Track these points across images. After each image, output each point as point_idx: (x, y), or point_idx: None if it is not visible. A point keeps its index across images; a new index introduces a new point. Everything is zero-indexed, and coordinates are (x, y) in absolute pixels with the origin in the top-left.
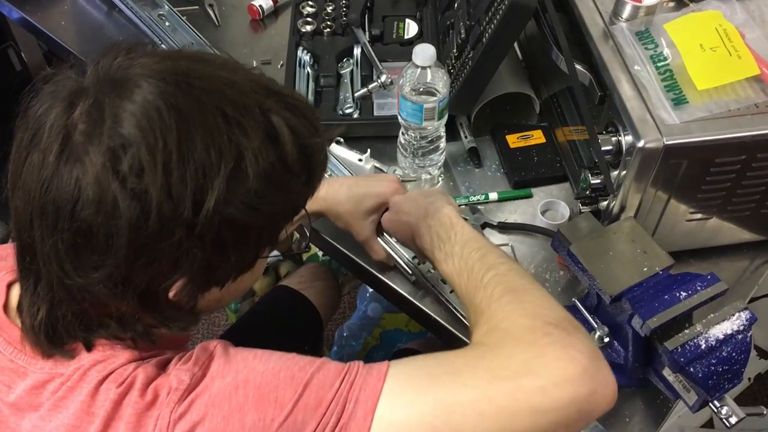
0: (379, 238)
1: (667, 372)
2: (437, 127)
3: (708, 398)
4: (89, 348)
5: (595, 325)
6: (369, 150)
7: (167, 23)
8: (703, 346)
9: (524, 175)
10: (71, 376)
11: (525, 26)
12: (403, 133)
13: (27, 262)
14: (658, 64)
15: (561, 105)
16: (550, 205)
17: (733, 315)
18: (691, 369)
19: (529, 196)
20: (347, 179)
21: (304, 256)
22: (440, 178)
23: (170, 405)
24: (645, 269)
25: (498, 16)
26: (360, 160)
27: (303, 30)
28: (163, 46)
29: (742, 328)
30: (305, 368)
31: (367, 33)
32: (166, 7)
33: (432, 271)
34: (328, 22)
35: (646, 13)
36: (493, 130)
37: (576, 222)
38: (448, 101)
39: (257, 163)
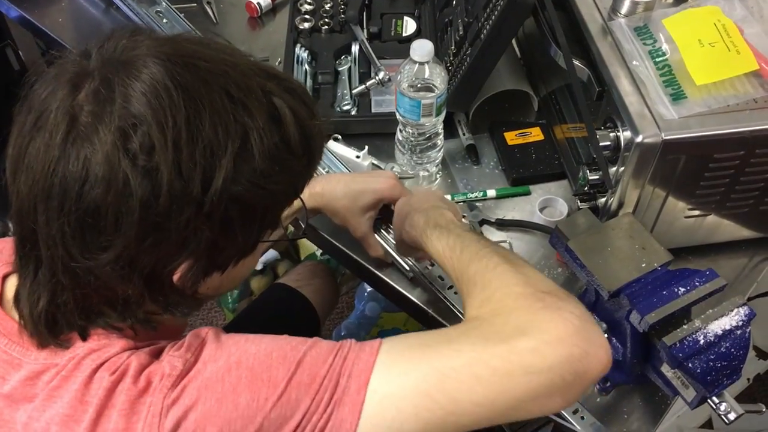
0: (376, 235)
1: (665, 368)
2: (435, 123)
3: (706, 394)
4: (85, 337)
5: None
6: (367, 147)
7: (165, 20)
8: (702, 342)
9: (522, 172)
10: (66, 365)
11: (523, 23)
12: (400, 130)
13: (28, 249)
14: (657, 60)
15: (559, 102)
16: (548, 202)
17: (732, 311)
18: (690, 364)
19: (528, 193)
20: (344, 176)
21: (302, 255)
22: (438, 175)
23: (163, 391)
24: (643, 265)
25: (496, 13)
26: (358, 156)
27: (301, 27)
28: None
29: (740, 323)
30: (297, 347)
31: (365, 30)
32: (164, 4)
33: (429, 267)
34: (326, 19)
35: (644, 8)
36: (491, 128)
37: (574, 218)
38: (446, 98)
39: (262, 143)
